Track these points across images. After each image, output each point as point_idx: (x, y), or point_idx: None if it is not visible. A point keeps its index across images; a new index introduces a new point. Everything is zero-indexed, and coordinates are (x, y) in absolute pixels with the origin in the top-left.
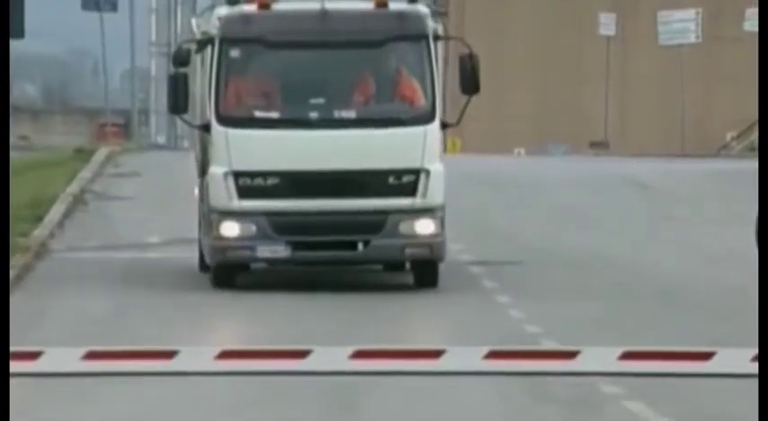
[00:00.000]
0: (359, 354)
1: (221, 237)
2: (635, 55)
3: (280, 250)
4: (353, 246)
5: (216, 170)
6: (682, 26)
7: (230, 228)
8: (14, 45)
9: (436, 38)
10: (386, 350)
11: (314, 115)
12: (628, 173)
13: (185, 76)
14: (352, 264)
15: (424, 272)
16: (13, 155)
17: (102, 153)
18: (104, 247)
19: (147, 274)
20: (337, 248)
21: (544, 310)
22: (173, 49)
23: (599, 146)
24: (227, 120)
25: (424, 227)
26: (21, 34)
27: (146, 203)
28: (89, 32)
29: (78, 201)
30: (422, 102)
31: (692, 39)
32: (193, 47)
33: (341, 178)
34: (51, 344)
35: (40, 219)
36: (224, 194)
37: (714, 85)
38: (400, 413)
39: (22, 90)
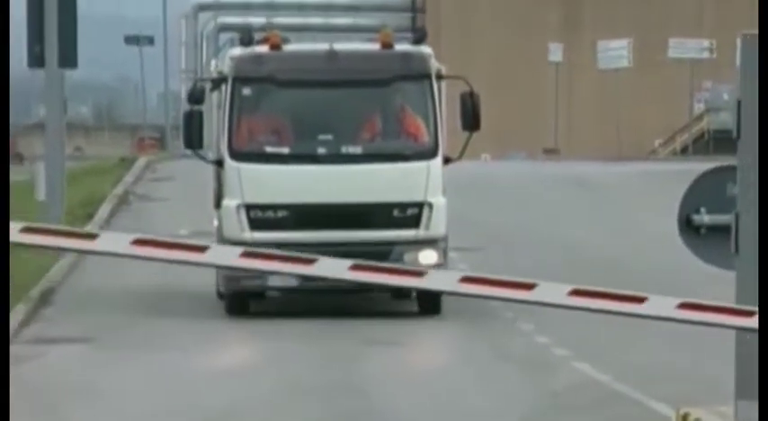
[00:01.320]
0: (356, 267)
1: (234, 267)
2: (578, 77)
3: (290, 279)
4: None
5: (229, 203)
6: (616, 53)
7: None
8: (69, 73)
9: (439, 77)
10: (380, 266)
11: (322, 151)
12: (574, 173)
13: (200, 113)
14: (359, 293)
15: (427, 300)
16: (68, 164)
17: (141, 161)
18: None
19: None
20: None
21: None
22: (198, 76)
23: (551, 151)
24: (239, 156)
25: (428, 257)
26: (74, 65)
27: (178, 202)
28: (131, 62)
29: (123, 201)
30: (425, 138)
31: (625, 63)
32: (208, 85)
33: (348, 211)
34: (102, 321)
35: (91, 216)
36: (236, 226)
37: (644, 101)
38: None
39: (77, 110)
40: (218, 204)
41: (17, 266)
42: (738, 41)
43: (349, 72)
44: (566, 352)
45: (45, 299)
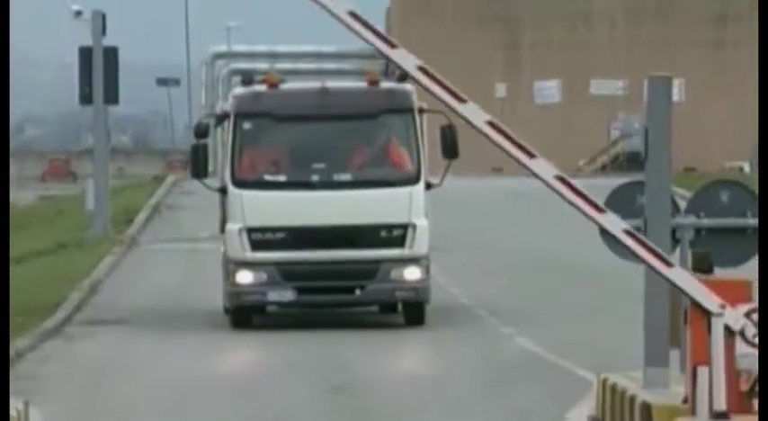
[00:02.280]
0: (422, 70)
1: (237, 284)
2: (519, 110)
3: (287, 295)
4: (351, 290)
5: (232, 226)
6: (549, 92)
7: (244, 276)
8: (112, 109)
9: (421, 111)
10: (441, 80)
11: (316, 178)
12: (515, 187)
13: (205, 147)
14: (350, 306)
15: (412, 312)
16: (112, 181)
17: (170, 179)
18: (173, 240)
19: (201, 257)
20: (337, 292)
21: (465, 281)
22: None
23: (497, 169)
24: (241, 184)
25: (412, 273)
26: (116, 102)
27: (199, 211)
28: (161, 100)
29: (156, 210)
30: (409, 166)
31: (555, 99)
32: (212, 121)
33: (339, 232)
34: (138, 308)
35: (131, 221)
36: (239, 247)
37: (570, 129)
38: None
39: (119, 139)
40: (223, 229)
41: (69, 264)
42: (646, 82)
43: (340, 107)
44: (510, 329)
45: (93, 289)
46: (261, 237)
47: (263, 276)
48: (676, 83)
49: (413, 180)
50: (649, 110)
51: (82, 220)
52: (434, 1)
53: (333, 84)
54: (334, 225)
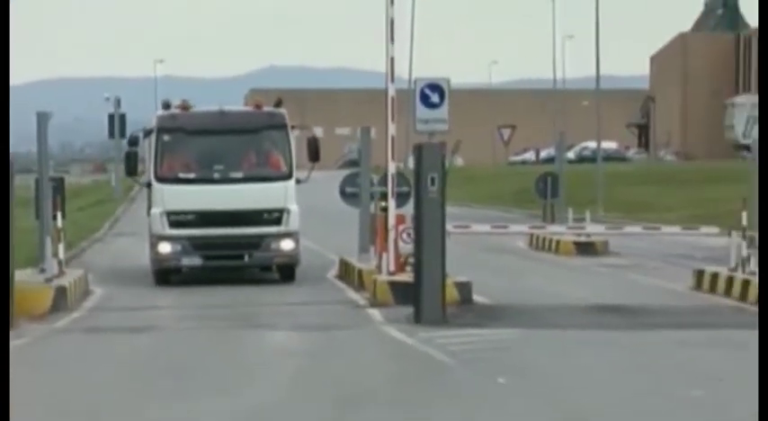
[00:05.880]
0: None
1: (158, 253)
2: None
3: (196, 260)
4: (242, 257)
5: (155, 210)
6: (317, 134)
7: (164, 247)
8: (124, 140)
9: (292, 127)
10: None
11: (217, 175)
12: (313, 176)
13: (136, 153)
14: (241, 268)
15: (285, 272)
16: (121, 175)
17: None
18: None
19: None
20: (232, 259)
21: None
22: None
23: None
24: (162, 179)
25: (287, 245)
26: (124, 137)
27: None
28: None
29: (141, 188)
30: (284, 167)
31: (321, 136)
32: (141, 134)
33: (234, 214)
34: (142, 227)
35: (132, 189)
36: (160, 225)
37: (325, 150)
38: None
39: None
40: (149, 213)
41: (105, 209)
42: (359, 129)
43: (234, 124)
44: (311, 243)
45: (116, 220)
46: (176, 218)
47: (178, 247)
48: (373, 130)
49: (287, 177)
50: (361, 141)
51: (110, 190)
52: (271, 95)
53: (229, 107)
54: (230, 209)
